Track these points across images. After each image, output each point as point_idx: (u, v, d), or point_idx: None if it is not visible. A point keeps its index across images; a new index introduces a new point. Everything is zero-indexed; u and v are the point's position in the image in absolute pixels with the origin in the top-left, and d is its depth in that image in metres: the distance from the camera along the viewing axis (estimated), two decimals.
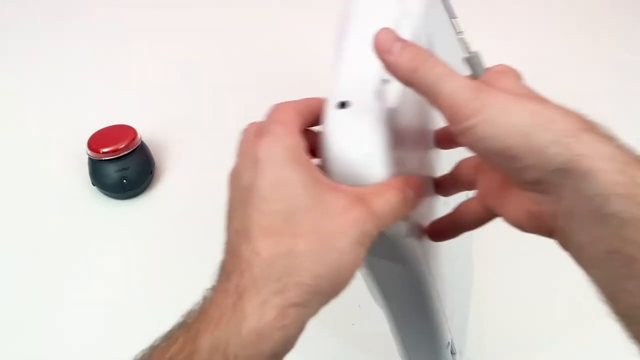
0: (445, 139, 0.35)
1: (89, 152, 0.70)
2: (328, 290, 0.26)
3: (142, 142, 0.73)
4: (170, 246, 0.65)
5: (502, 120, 0.25)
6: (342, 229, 0.26)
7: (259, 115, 0.31)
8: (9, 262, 0.66)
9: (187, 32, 1.02)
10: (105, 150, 0.69)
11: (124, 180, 0.70)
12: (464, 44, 0.33)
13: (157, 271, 0.63)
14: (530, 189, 0.27)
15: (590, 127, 0.25)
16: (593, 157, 0.24)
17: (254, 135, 0.29)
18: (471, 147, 0.27)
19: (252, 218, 0.26)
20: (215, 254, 0.28)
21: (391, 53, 0.27)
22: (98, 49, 0.99)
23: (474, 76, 0.32)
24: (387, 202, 0.28)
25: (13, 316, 0.60)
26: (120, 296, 0.60)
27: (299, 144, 0.28)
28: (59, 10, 1.08)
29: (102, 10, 1.08)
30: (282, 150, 0.27)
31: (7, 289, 0.63)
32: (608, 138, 0.25)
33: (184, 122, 0.82)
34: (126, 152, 0.70)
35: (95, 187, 0.72)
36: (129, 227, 0.69)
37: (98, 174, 0.71)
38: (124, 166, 0.69)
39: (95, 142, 0.70)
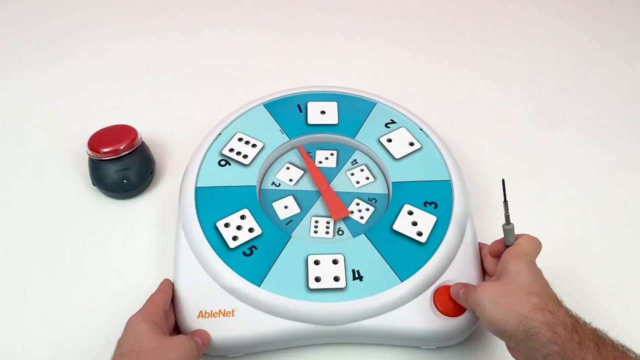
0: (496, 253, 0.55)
1: (89, 152, 0.68)
2: None
3: (142, 142, 0.71)
4: (171, 246, 0.61)
5: (493, 311, 0.46)
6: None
7: None
8: (9, 262, 0.64)
9: (187, 31, 0.97)
10: (106, 150, 0.67)
11: (125, 180, 0.68)
12: (507, 218, 0.51)
13: (157, 271, 0.60)
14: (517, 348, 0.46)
15: (541, 304, 0.44)
16: (538, 326, 0.43)
17: None
18: (481, 323, 0.49)
19: None
20: None
21: (459, 297, 0.52)
22: (98, 48, 0.94)
23: (507, 243, 0.52)
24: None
25: (13, 316, 0.59)
26: (121, 296, 0.57)
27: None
28: (59, 9, 1.01)
29: (103, 9, 1.02)
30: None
31: (7, 289, 0.61)
32: (550, 309, 0.43)
33: (184, 122, 0.79)
34: (127, 152, 0.68)
35: (95, 187, 0.70)
36: (130, 227, 0.67)
37: (98, 174, 0.68)
38: (124, 166, 0.68)
39: (95, 142, 0.68)
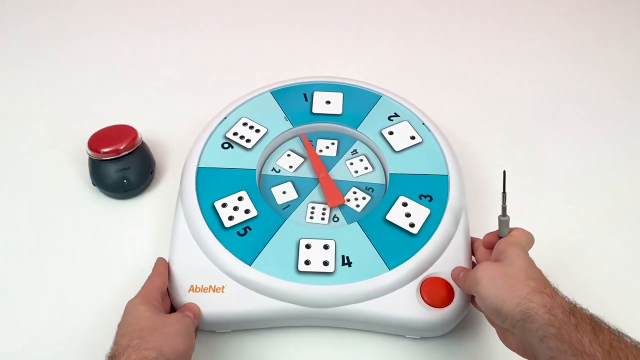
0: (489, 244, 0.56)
1: (89, 152, 0.68)
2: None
3: (142, 142, 0.71)
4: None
5: (492, 289, 0.46)
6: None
7: None
8: (10, 262, 0.64)
9: (188, 30, 0.98)
10: (106, 150, 0.68)
11: (125, 180, 0.68)
12: (503, 210, 0.52)
13: None
14: (511, 330, 0.46)
15: (539, 287, 0.45)
16: (536, 308, 0.43)
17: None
18: (478, 302, 0.49)
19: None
20: None
21: (458, 279, 0.54)
22: (98, 48, 0.94)
23: (501, 234, 0.53)
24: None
25: (12, 317, 0.59)
26: (121, 296, 0.54)
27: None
28: (59, 10, 1.01)
29: (102, 9, 1.02)
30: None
31: (8, 289, 0.62)
32: (548, 293, 0.44)
33: (184, 122, 0.79)
34: (127, 152, 0.68)
35: (95, 187, 0.70)
36: (129, 227, 0.67)
37: (98, 174, 0.69)
38: (124, 166, 0.68)
39: (95, 142, 0.68)
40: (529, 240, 0.52)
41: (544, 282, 0.46)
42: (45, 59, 0.91)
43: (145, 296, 0.52)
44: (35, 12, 1.00)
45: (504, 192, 0.53)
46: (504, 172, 0.53)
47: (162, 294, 0.54)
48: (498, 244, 0.52)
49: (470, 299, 0.55)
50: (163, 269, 0.56)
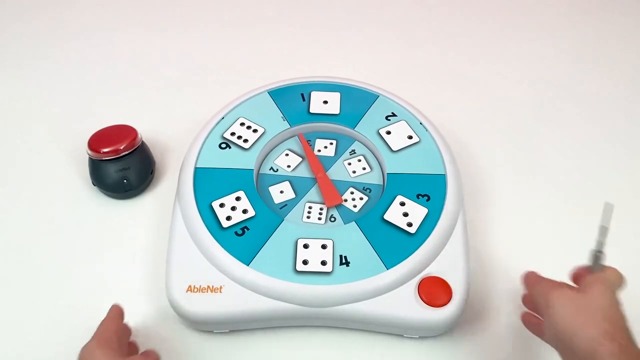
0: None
1: (89, 152, 0.68)
2: None
3: (142, 142, 0.71)
4: None
5: (565, 319, 0.45)
6: None
7: None
8: (10, 262, 0.64)
9: (188, 30, 0.98)
10: (106, 150, 0.68)
11: (125, 180, 0.68)
12: (600, 245, 0.49)
13: (156, 271, 0.60)
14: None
15: (613, 332, 0.42)
16: (604, 352, 0.41)
17: None
18: (547, 326, 0.47)
19: None
20: None
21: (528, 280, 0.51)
22: (98, 48, 0.94)
23: (592, 268, 0.49)
24: None
25: (11, 317, 0.60)
26: (120, 296, 0.55)
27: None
28: (59, 10, 1.01)
29: (102, 9, 1.01)
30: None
31: (8, 289, 0.62)
32: (620, 341, 0.42)
33: (184, 122, 0.78)
34: (127, 152, 0.68)
35: (95, 187, 0.70)
36: (130, 227, 0.67)
37: (98, 174, 0.69)
38: (124, 166, 0.68)
39: (95, 142, 0.68)
40: (622, 282, 0.49)
41: (620, 328, 0.44)
42: (45, 59, 0.91)
43: (100, 339, 0.49)
44: (35, 12, 1.00)
45: (604, 226, 0.48)
46: (609, 206, 0.48)
47: (119, 337, 0.51)
48: (590, 276, 0.48)
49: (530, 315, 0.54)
50: (116, 314, 0.53)
